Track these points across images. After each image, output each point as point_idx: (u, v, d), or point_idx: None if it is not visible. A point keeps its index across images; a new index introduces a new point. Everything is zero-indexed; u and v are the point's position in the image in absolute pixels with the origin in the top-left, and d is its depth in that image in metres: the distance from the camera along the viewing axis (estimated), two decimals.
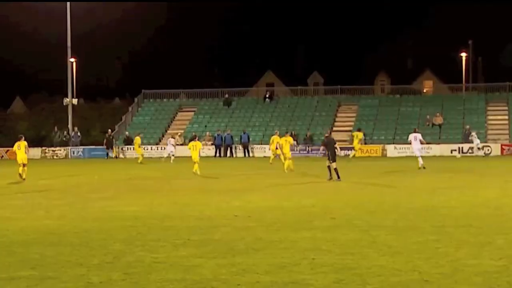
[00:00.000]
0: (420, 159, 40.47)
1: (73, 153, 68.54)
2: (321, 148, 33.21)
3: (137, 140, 57.04)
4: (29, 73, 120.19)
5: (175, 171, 42.91)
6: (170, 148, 56.33)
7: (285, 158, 39.94)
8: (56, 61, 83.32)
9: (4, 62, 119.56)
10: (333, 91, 79.09)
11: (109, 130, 68.18)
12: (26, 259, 13.72)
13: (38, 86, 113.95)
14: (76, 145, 70.00)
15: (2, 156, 67.63)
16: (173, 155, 54.98)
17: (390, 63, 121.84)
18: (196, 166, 37.66)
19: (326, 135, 34.55)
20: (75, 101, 76.08)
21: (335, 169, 32.12)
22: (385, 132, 66.95)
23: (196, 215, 20.20)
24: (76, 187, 31.59)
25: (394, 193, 26.45)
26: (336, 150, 32.99)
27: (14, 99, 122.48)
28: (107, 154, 65.84)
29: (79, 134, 71.71)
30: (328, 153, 32.61)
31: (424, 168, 39.60)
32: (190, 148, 38.90)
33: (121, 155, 67.01)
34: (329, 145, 32.93)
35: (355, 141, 55.20)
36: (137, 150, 56.91)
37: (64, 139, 71.31)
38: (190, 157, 38.56)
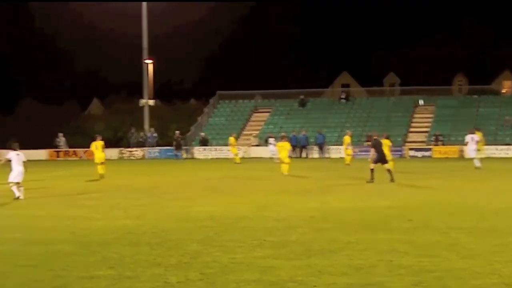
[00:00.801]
0: (476, 161, 41.52)
1: (150, 153, 69.17)
2: (372, 151, 33.10)
3: (231, 140, 57.34)
4: (106, 74, 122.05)
5: (251, 171, 42.94)
6: (272, 148, 56.62)
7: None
8: (134, 62, 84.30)
9: (82, 64, 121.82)
10: (409, 92, 78.34)
11: (177, 132, 68.22)
12: (105, 259, 13.90)
13: (115, 87, 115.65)
14: (153, 146, 70.61)
15: (81, 156, 68.68)
16: (274, 155, 55.26)
17: (468, 64, 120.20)
18: (285, 166, 38.48)
19: (375, 137, 34.36)
20: (151, 102, 76.84)
21: (388, 170, 32.02)
22: (463, 133, 65.80)
23: (272, 216, 20.20)
24: (153, 187, 31.88)
25: (473, 194, 26.03)
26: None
27: (92, 100, 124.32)
28: (176, 155, 65.92)
29: (155, 135, 72.37)
30: (376, 156, 32.52)
31: (478, 168, 40.59)
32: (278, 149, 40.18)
33: (195, 156, 67.25)
34: (377, 147, 32.81)
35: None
36: (232, 150, 57.10)
37: (141, 139, 72.01)
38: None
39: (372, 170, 32.21)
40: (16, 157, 26.84)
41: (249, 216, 20.35)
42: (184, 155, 66.41)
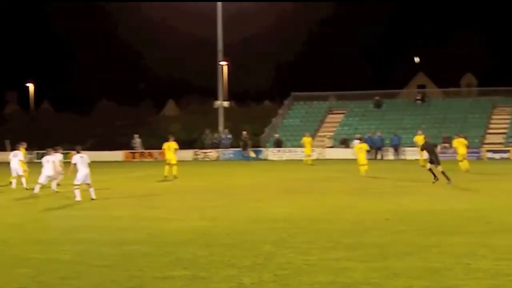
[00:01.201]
0: None
1: (224, 155, 69.38)
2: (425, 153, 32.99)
3: (307, 140, 56.63)
4: (181, 76, 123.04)
5: (325, 172, 42.71)
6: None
7: (461, 160, 39.65)
8: (209, 64, 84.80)
9: (158, 66, 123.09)
10: (487, 93, 76.99)
11: (244, 132, 68.12)
12: (179, 259, 13.98)
13: (190, 88, 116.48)
14: (227, 147, 70.83)
15: (156, 157, 69.11)
16: None
17: None
18: (363, 168, 38.49)
19: (426, 140, 34.49)
20: (226, 103, 77.09)
21: (442, 172, 31.46)
22: None
23: (346, 217, 20.07)
24: (228, 188, 31.97)
25: None
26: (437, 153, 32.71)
27: (167, 101, 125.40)
28: (246, 157, 65.66)
29: (229, 136, 72.54)
30: (430, 157, 32.14)
31: None
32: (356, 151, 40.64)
33: (268, 157, 67.07)
34: (429, 149, 32.55)
35: None
36: (306, 151, 56.52)
37: (215, 141, 72.28)
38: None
39: (442, 172, 31.69)
40: (80, 159, 27.25)
41: (323, 217, 20.27)
42: (252, 154, 65.98)
